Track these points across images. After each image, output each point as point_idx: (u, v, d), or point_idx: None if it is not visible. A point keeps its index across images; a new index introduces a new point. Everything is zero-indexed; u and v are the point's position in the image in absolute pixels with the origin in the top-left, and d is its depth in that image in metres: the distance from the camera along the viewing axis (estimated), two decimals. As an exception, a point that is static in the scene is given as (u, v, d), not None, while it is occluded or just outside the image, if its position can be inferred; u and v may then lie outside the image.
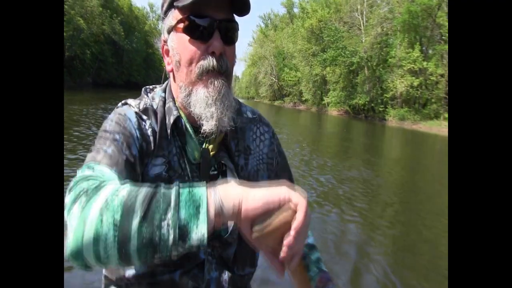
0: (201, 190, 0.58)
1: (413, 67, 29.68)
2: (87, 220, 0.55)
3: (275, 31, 68.46)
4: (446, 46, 27.86)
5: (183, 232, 0.55)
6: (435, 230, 4.67)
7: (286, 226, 0.58)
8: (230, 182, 0.61)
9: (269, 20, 77.02)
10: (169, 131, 0.86)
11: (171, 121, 0.86)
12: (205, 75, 0.81)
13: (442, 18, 29.04)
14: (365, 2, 38.19)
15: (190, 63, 0.81)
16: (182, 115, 0.89)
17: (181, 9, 0.81)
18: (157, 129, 0.86)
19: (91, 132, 8.49)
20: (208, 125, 0.82)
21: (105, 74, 44.48)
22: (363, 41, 35.52)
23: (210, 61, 0.80)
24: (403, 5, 31.55)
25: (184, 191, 0.58)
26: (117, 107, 0.89)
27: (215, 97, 0.81)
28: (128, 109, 0.86)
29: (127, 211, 0.55)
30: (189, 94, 0.83)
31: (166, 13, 0.86)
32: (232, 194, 0.58)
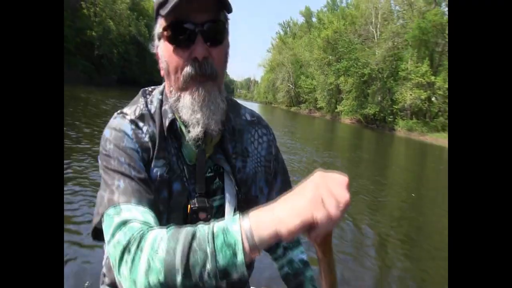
0: (235, 232, 0.59)
1: (421, 80, 31.03)
2: (137, 282, 0.61)
3: (294, 38, 70.26)
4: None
5: (223, 275, 0.59)
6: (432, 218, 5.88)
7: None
8: (261, 209, 0.61)
9: (288, 28, 78.88)
10: (166, 133, 0.87)
11: (167, 123, 0.87)
12: (190, 82, 0.81)
13: (452, 35, 30.20)
14: (380, 15, 39.65)
15: (176, 71, 0.82)
16: (177, 117, 0.89)
17: (165, 17, 0.80)
18: (156, 132, 0.87)
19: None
20: (194, 132, 0.83)
21: (129, 72, 46.86)
22: (376, 53, 36.96)
23: (192, 68, 0.80)
24: (415, 21, 32.99)
25: (219, 236, 0.59)
26: (113, 118, 0.90)
27: (200, 104, 0.82)
28: (122, 122, 0.87)
29: (169, 270, 0.59)
30: (177, 99, 0.85)
31: (156, 19, 0.86)
32: (266, 227, 0.59)
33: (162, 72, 0.89)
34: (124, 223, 0.70)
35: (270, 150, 1.05)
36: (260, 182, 1.01)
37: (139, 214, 0.73)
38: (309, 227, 0.58)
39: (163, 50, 0.84)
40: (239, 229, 0.59)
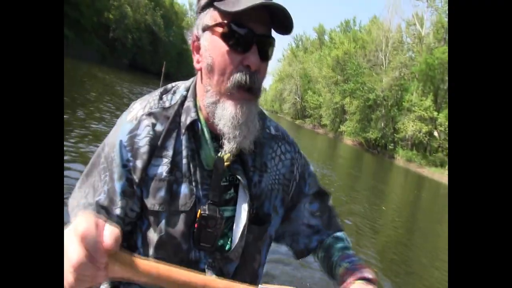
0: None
1: (424, 114, 31.70)
2: None
3: (305, 53, 71.07)
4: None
5: None
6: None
7: None
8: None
9: (300, 42, 79.74)
10: (183, 130, 0.84)
11: (188, 121, 0.84)
12: (236, 91, 0.78)
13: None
14: (390, 44, 40.46)
15: (223, 72, 0.78)
16: (201, 117, 0.86)
17: (221, 12, 0.77)
18: (163, 129, 0.84)
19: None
20: (229, 146, 0.81)
21: (140, 59, 47.20)
22: (383, 81, 37.66)
23: (243, 76, 0.77)
24: (423, 55, 33.77)
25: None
26: (123, 113, 0.89)
27: (242, 122, 0.79)
28: (125, 126, 0.84)
29: None
30: (215, 103, 0.81)
31: (204, 8, 0.82)
32: None
33: (199, 65, 0.85)
34: None
35: (292, 168, 0.99)
36: (276, 200, 0.96)
37: None
38: None
39: (211, 44, 0.80)
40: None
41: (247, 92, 0.80)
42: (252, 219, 0.89)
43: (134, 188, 0.84)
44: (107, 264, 0.54)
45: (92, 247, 0.50)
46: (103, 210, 0.81)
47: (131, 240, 0.90)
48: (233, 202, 0.89)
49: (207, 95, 0.83)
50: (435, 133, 32.67)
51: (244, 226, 0.87)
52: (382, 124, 36.97)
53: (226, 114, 0.79)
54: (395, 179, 19.30)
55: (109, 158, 0.83)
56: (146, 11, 47.76)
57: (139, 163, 0.83)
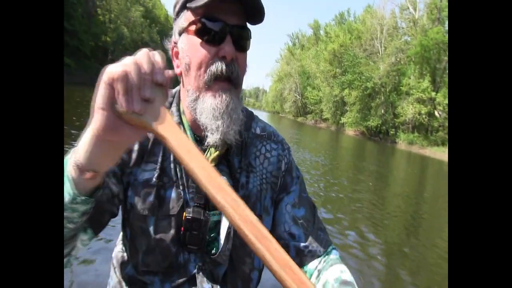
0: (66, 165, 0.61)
1: (422, 96, 31.91)
2: None
3: (302, 50, 71.61)
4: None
5: (67, 207, 0.62)
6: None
7: None
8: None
9: (296, 39, 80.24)
10: None
11: None
12: (214, 82, 0.79)
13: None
14: (384, 31, 40.72)
15: (200, 66, 0.79)
16: (185, 121, 0.87)
17: (194, 11, 0.79)
18: (151, 135, 0.84)
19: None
20: (212, 138, 0.80)
21: (140, 78, 48.25)
22: (380, 68, 37.96)
23: (219, 66, 0.78)
24: (417, 38, 34.04)
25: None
26: None
27: (222, 110, 0.78)
28: None
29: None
30: (195, 100, 0.81)
31: (178, 14, 0.84)
32: (81, 146, 0.59)
33: (179, 70, 0.85)
34: None
35: (279, 165, 0.98)
36: (266, 200, 0.95)
37: None
38: (109, 106, 0.53)
39: (186, 45, 0.81)
40: (67, 161, 0.61)
41: (225, 82, 0.80)
42: None
43: (120, 182, 0.85)
44: (150, 100, 0.54)
45: (155, 62, 0.55)
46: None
47: (120, 253, 0.96)
48: None
49: (188, 95, 0.83)
50: (436, 113, 32.81)
51: (229, 228, 0.87)
52: (382, 111, 37.20)
53: (207, 106, 0.79)
54: (397, 162, 19.51)
55: None
56: (142, 29, 49.14)
57: (131, 164, 0.84)
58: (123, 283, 0.94)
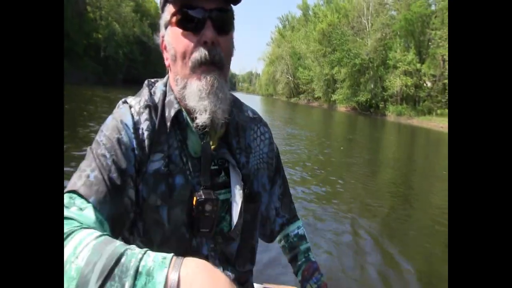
0: (158, 284, 0.52)
1: (407, 68, 33.16)
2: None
3: (292, 32, 72.01)
4: (439, 49, 31.28)
5: None
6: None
7: None
8: (198, 265, 0.54)
9: (286, 21, 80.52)
10: (168, 123, 0.86)
11: (172, 114, 0.86)
12: (198, 68, 0.81)
13: (435, 24, 32.33)
14: (371, 7, 41.59)
15: (184, 56, 0.81)
16: (183, 109, 0.88)
17: (174, 3, 0.81)
18: (156, 124, 0.85)
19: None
20: (201, 118, 0.81)
21: (134, 71, 49.12)
22: (367, 44, 39.02)
23: (202, 52, 0.80)
24: (402, 12, 35.07)
25: (141, 278, 0.52)
26: (117, 107, 0.88)
27: (208, 90, 0.80)
28: (126, 113, 0.85)
29: (81, 284, 0.53)
30: (184, 87, 0.83)
31: (163, 8, 0.86)
32: None
33: (168, 62, 0.88)
34: (66, 217, 0.65)
35: (271, 147, 1.06)
36: (263, 178, 1.01)
37: (87, 217, 0.69)
38: None
39: (171, 37, 0.84)
40: (164, 280, 0.52)
41: (210, 65, 0.82)
42: (246, 198, 0.92)
43: (137, 177, 0.83)
44: None
45: None
46: (116, 189, 0.77)
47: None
48: (226, 185, 0.91)
49: (177, 84, 0.86)
50: (427, 83, 34.07)
51: (242, 203, 0.90)
52: (372, 86, 38.47)
53: (193, 90, 0.82)
54: (386, 133, 20.88)
55: (114, 139, 0.81)
56: (133, 23, 49.73)
57: (142, 150, 0.84)
58: None
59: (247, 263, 1.00)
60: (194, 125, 0.84)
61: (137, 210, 0.85)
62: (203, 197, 0.84)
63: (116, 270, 0.54)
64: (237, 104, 1.01)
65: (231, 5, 0.86)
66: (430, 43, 33.79)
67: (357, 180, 7.07)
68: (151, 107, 0.87)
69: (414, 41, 34.92)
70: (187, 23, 0.81)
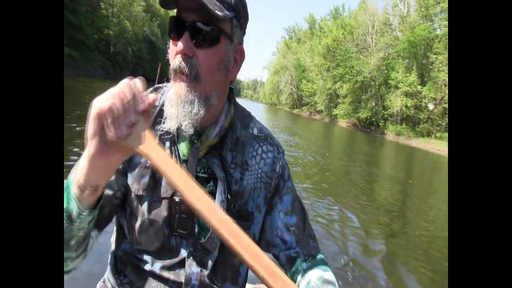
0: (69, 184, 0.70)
1: (408, 89, 34.03)
2: None
3: (298, 43, 73.12)
4: (441, 74, 32.20)
5: (68, 215, 0.69)
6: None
7: None
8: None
9: (293, 33, 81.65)
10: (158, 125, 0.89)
11: (164, 116, 0.88)
12: (173, 76, 0.84)
13: (438, 49, 33.27)
14: (376, 26, 42.59)
15: (170, 63, 0.86)
16: None
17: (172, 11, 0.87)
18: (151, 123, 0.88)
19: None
20: (167, 124, 0.85)
21: (140, 69, 50.04)
22: (370, 62, 39.95)
23: (176, 61, 0.82)
24: (405, 34, 36.04)
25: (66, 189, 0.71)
26: None
27: (175, 100, 0.83)
28: None
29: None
30: (169, 91, 0.87)
31: None
32: (79, 170, 0.68)
33: None
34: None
35: (273, 167, 1.02)
36: (259, 198, 0.99)
37: None
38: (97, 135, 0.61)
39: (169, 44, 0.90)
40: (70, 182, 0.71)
41: (181, 74, 0.83)
42: (234, 214, 0.91)
43: (124, 168, 0.91)
44: (135, 124, 0.62)
45: (136, 91, 0.62)
46: None
47: (120, 229, 0.99)
48: (213, 195, 0.91)
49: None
50: (430, 106, 34.85)
51: None
52: (373, 104, 39.32)
53: (169, 95, 0.85)
54: (384, 151, 21.45)
55: None
56: (143, 23, 50.70)
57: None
58: (119, 258, 0.99)
59: (227, 281, 0.97)
60: (165, 126, 0.86)
61: (123, 191, 0.92)
62: (180, 197, 0.88)
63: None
64: (244, 120, 1.03)
65: (220, 19, 0.83)
66: (430, 67, 34.70)
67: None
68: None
69: (417, 63, 35.82)
70: (171, 33, 0.86)
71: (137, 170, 0.90)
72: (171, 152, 0.91)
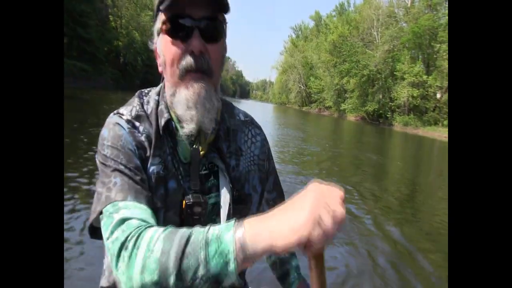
0: (228, 242, 0.60)
1: (414, 80, 34.22)
2: (133, 278, 0.63)
3: (305, 41, 73.46)
4: (445, 62, 32.31)
5: (215, 282, 0.61)
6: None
7: None
8: (257, 218, 0.62)
9: (299, 31, 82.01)
10: (161, 132, 0.88)
11: (162, 123, 0.88)
12: (186, 76, 0.82)
13: (443, 38, 33.39)
14: (381, 19, 42.78)
15: (173, 63, 0.82)
16: (173, 116, 0.90)
17: (165, 12, 0.82)
18: (152, 131, 0.88)
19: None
20: (188, 128, 0.84)
21: (151, 77, 51.00)
22: (376, 55, 40.20)
23: (189, 60, 0.81)
24: (410, 25, 36.25)
25: (212, 244, 0.60)
26: (109, 118, 0.90)
27: (195, 100, 0.82)
28: (119, 121, 0.87)
29: (162, 271, 0.60)
30: (173, 94, 0.85)
31: (156, 16, 0.88)
32: (261, 240, 0.59)
33: (160, 69, 0.89)
34: (122, 221, 0.71)
35: (263, 149, 1.07)
36: (254, 180, 1.03)
37: (137, 211, 0.74)
38: (305, 244, 0.59)
39: (162, 44, 0.85)
40: (232, 239, 0.60)
41: (198, 73, 0.83)
42: (236, 200, 0.94)
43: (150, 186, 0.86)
44: None
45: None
46: (141, 181, 0.82)
47: None
48: (216, 188, 0.93)
49: (167, 91, 0.88)
50: (438, 95, 34.94)
51: (229, 206, 0.92)
52: (380, 96, 39.56)
53: (181, 99, 0.83)
54: (392, 141, 21.83)
55: (118, 146, 0.84)
56: (151, 32, 51.59)
57: (142, 154, 0.86)
58: None
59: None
60: (182, 132, 0.87)
61: None
62: (191, 200, 0.88)
63: (188, 248, 0.61)
64: (228, 109, 1.04)
65: (223, 13, 0.86)
66: (435, 56, 34.80)
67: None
68: (142, 116, 0.90)
69: (422, 53, 35.96)
70: (176, 31, 0.82)
71: (152, 182, 0.87)
72: (173, 159, 0.91)
